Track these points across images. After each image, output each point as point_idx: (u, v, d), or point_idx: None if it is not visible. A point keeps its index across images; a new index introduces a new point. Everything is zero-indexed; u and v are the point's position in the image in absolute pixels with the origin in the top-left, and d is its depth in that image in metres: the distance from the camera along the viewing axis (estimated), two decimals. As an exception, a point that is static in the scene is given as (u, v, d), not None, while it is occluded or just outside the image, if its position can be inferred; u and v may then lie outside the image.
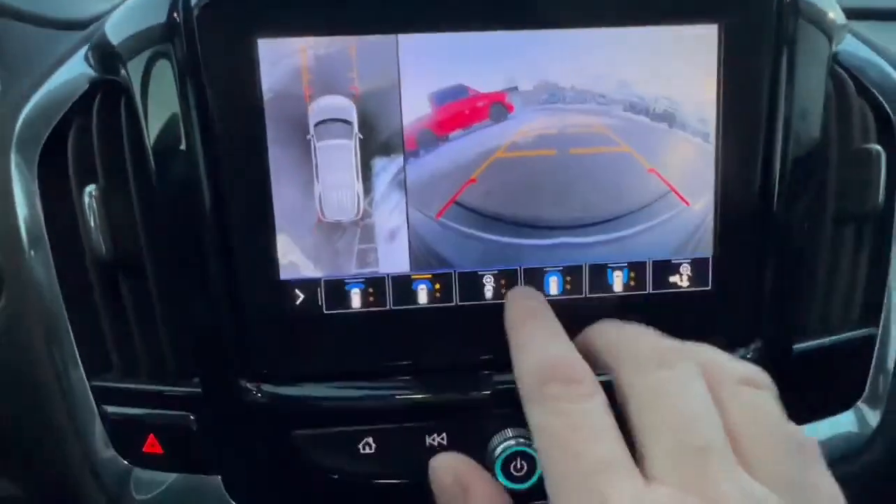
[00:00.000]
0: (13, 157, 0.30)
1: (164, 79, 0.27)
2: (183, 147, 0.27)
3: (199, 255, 0.27)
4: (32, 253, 0.29)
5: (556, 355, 0.21)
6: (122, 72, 0.28)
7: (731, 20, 0.27)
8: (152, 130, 0.27)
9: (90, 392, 0.29)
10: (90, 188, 0.28)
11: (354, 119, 0.27)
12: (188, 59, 0.26)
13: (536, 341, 0.22)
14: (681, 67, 0.27)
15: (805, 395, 0.31)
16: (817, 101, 0.30)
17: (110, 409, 0.29)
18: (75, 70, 0.31)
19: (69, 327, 0.29)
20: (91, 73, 0.30)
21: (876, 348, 0.32)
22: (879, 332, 0.32)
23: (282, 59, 0.26)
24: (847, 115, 0.33)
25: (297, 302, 0.28)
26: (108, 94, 0.29)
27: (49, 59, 0.34)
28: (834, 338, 0.32)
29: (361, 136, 0.27)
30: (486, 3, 0.26)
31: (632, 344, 0.21)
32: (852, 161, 0.32)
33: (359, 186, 0.27)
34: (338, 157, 0.27)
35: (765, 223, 0.29)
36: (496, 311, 0.28)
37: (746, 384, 0.20)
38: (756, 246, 0.29)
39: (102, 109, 0.29)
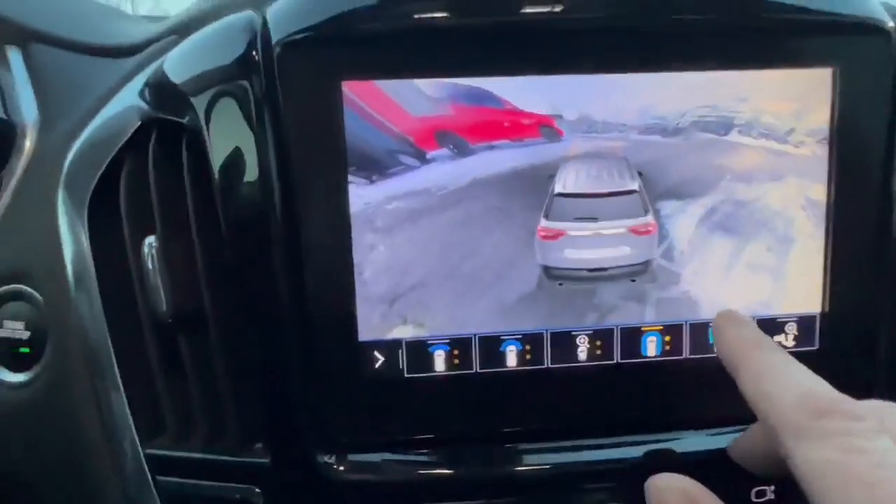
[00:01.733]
0: (60, 196, 0.28)
1: (234, 121, 0.25)
2: (256, 194, 0.24)
3: (271, 313, 0.25)
4: (80, 304, 0.27)
5: (821, 387, 0.19)
6: (187, 112, 0.25)
7: (850, 65, 0.25)
8: (221, 176, 0.25)
9: (144, 460, 0.26)
10: (150, 239, 0.26)
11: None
12: (267, 100, 0.24)
13: (789, 370, 0.20)
14: (792, 113, 0.26)
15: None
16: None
17: (165, 479, 0.26)
18: (126, 105, 0.29)
19: (121, 387, 0.26)
20: (144, 109, 0.28)
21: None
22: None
23: (366, 103, 0.24)
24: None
25: (377, 365, 0.25)
26: (166, 134, 0.27)
27: (94, 90, 0.31)
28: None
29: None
30: (586, 48, 0.24)
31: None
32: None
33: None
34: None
35: (878, 281, 0.27)
36: (589, 376, 0.26)
37: None
38: (869, 305, 0.27)
39: (160, 150, 0.27)
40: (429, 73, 0.24)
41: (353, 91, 0.23)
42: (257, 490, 0.26)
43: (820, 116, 0.26)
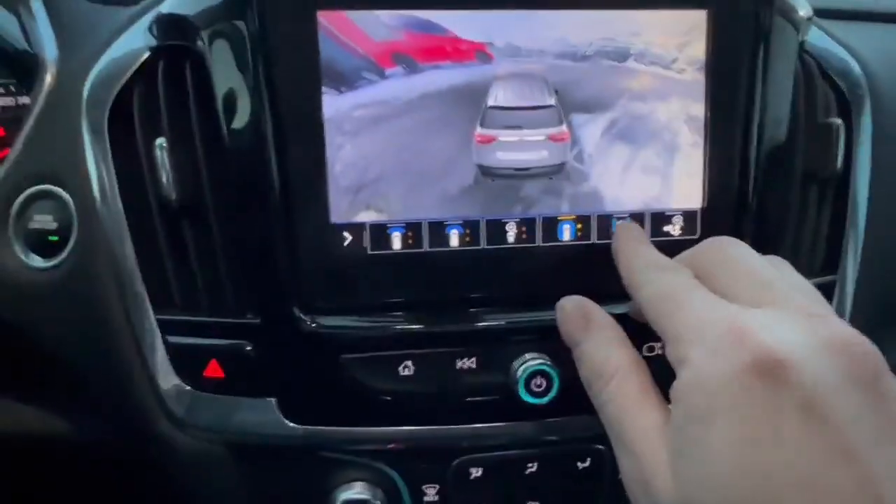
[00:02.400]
0: (83, 113, 0.33)
1: (232, 46, 0.31)
2: (250, 104, 0.31)
3: (260, 201, 0.31)
4: (102, 199, 0.33)
5: (661, 257, 0.27)
6: (194, 40, 0.31)
7: (719, 8, 0.32)
8: (220, 91, 0.31)
9: (155, 324, 0.32)
10: (160, 141, 0.32)
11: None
12: (258, 29, 0.30)
13: (645, 249, 0.28)
14: (676, 45, 0.32)
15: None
16: (788, 80, 0.35)
17: (174, 338, 0.32)
18: (135, 39, 0.35)
19: (136, 266, 0.32)
20: (152, 42, 0.34)
21: (836, 292, 0.38)
22: (838, 277, 0.38)
23: (339, 31, 0.30)
24: (812, 93, 0.38)
25: (346, 243, 0.32)
26: (173, 60, 0.33)
27: (102, 32, 0.37)
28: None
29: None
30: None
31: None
32: (817, 132, 0.37)
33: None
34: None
35: (745, 183, 0.34)
36: (516, 256, 0.32)
37: None
38: (738, 202, 0.34)
39: (169, 73, 0.33)
40: (388, 6, 0.30)
41: (326, 19, 0.30)
42: (249, 345, 0.32)
43: (698, 49, 0.32)
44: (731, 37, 0.32)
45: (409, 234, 0.32)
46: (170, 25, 0.33)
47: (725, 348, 0.20)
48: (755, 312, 0.22)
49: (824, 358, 0.19)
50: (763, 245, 0.35)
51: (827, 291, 0.37)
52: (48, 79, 0.37)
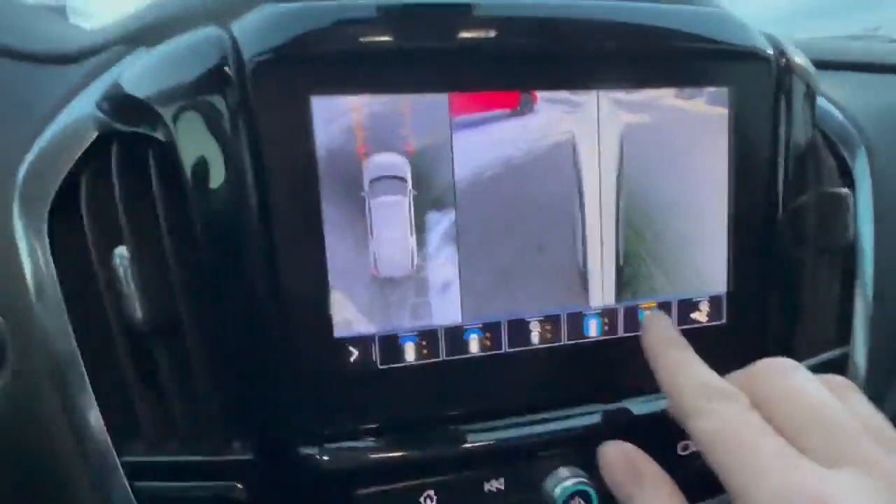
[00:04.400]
0: (16, 211, 0.27)
1: (206, 133, 0.26)
2: (230, 203, 0.26)
3: (248, 317, 0.26)
4: (43, 317, 0.27)
5: (713, 377, 0.25)
6: (154, 124, 0.26)
7: (739, 83, 0.30)
8: (195, 185, 0.26)
9: (120, 468, 0.27)
10: (120, 250, 0.26)
11: (409, 175, 0.27)
12: (240, 114, 0.25)
13: (692, 365, 0.26)
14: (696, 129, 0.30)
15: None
16: (806, 148, 0.34)
17: (144, 484, 0.27)
18: (79, 116, 0.29)
19: (92, 396, 0.27)
20: (101, 120, 0.28)
21: (849, 363, 0.37)
22: (851, 349, 0.37)
23: (336, 116, 0.26)
24: (818, 158, 0.37)
25: (352, 359, 0.27)
26: (128, 147, 0.27)
27: (39, 101, 0.31)
28: (821, 357, 0.36)
29: (416, 193, 0.27)
30: (530, 67, 0.28)
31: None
32: (827, 202, 0.36)
33: (412, 241, 0.27)
34: (392, 214, 0.27)
35: (769, 261, 0.32)
36: (541, 357, 0.29)
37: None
38: (763, 282, 0.32)
39: (124, 163, 0.27)
40: (400, 89, 0.26)
41: (321, 105, 0.25)
42: (240, 486, 0.27)
43: (720, 125, 0.31)
44: (752, 115, 0.31)
45: (423, 342, 0.28)
46: (124, 106, 0.27)
47: None
48: (840, 483, 0.20)
49: None
50: (784, 323, 0.34)
51: (841, 362, 0.37)
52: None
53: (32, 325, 0.27)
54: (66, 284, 0.27)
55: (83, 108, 0.29)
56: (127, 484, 0.27)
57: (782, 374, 0.24)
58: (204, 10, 0.29)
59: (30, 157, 0.28)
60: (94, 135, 0.28)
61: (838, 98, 0.41)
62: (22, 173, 0.28)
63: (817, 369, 0.35)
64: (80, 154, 0.28)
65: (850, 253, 0.37)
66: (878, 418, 0.23)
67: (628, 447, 0.27)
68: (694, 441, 0.24)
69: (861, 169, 0.38)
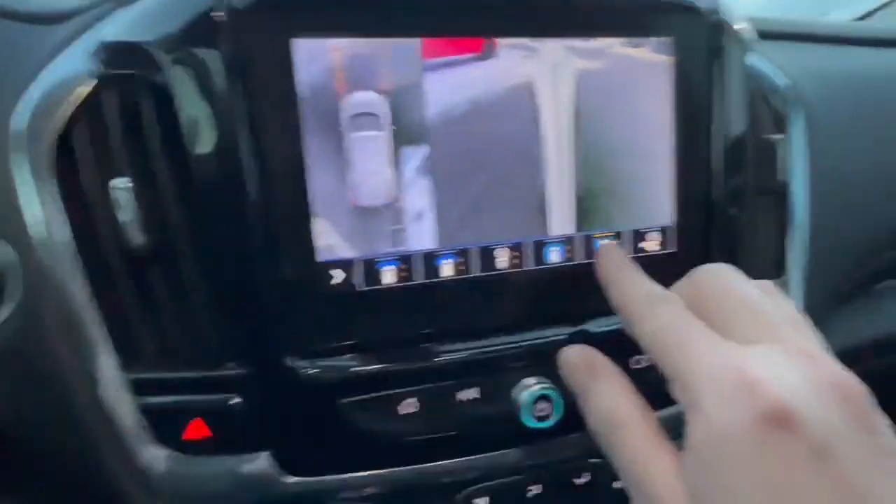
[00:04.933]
0: (14, 156, 0.29)
1: (200, 76, 0.28)
2: (221, 140, 0.28)
3: (239, 243, 0.29)
4: (51, 248, 0.29)
5: (654, 286, 0.28)
6: (150, 68, 0.28)
7: (683, 35, 0.34)
8: (188, 123, 0.28)
9: (126, 385, 0.29)
10: (121, 182, 0.28)
11: (387, 112, 0.30)
12: (228, 56, 0.27)
13: (637, 279, 0.29)
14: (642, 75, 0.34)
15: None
16: (741, 97, 0.38)
17: (149, 399, 0.29)
18: (75, 63, 0.31)
19: (99, 320, 0.29)
20: (98, 68, 0.30)
21: (786, 290, 0.41)
22: (788, 277, 0.41)
23: (316, 58, 0.28)
24: (756, 110, 0.41)
25: (335, 281, 0.30)
26: (123, 89, 0.30)
27: (31, 56, 0.33)
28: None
29: (394, 128, 0.30)
30: (492, 16, 0.31)
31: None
32: (762, 147, 0.40)
33: (390, 173, 0.30)
34: (371, 147, 0.30)
35: (712, 197, 0.36)
36: (508, 280, 0.32)
37: None
38: (707, 215, 0.36)
39: (122, 103, 0.30)
40: (376, 33, 0.29)
41: (302, 46, 0.28)
42: (237, 398, 0.29)
43: (665, 71, 0.34)
44: (695, 59, 0.34)
45: (401, 267, 0.31)
46: (120, 53, 0.30)
47: (737, 399, 0.21)
48: (758, 356, 0.23)
49: (828, 403, 0.21)
50: (726, 253, 0.38)
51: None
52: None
53: (40, 255, 0.29)
54: (70, 213, 0.29)
55: (73, 60, 0.31)
56: (132, 398, 0.29)
57: (716, 275, 0.27)
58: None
59: (29, 101, 0.30)
60: (94, 81, 0.30)
61: (781, 61, 0.45)
62: (26, 117, 0.30)
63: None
64: (81, 99, 0.30)
65: (783, 195, 0.41)
66: (797, 313, 0.26)
67: (586, 348, 0.30)
68: (641, 345, 0.27)
69: (797, 122, 0.42)
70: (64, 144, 0.29)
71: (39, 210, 0.29)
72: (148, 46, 0.28)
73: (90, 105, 0.30)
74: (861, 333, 0.52)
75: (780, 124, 0.43)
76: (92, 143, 0.29)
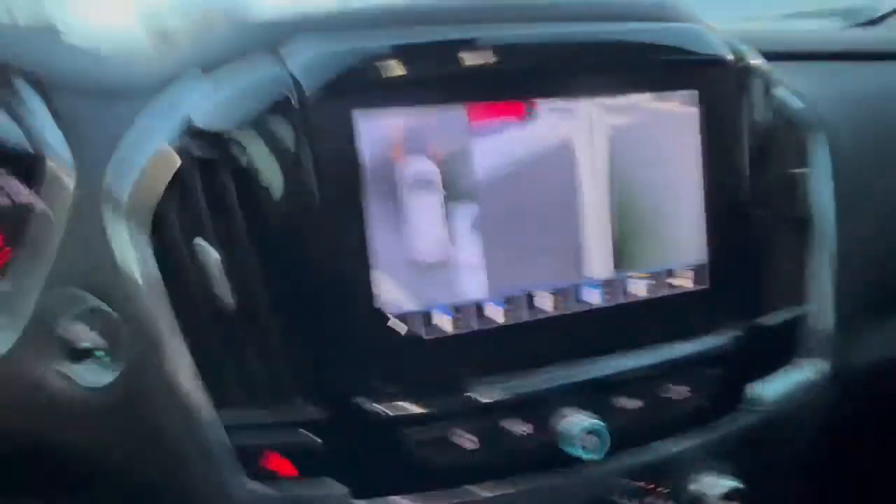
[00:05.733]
0: (120, 224, 0.33)
1: (273, 154, 0.32)
2: (295, 210, 0.32)
3: (313, 301, 0.32)
4: (151, 312, 0.32)
5: None
6: (230, 150, 0.32)
7: (706, 85, 0.36)
8: (265, 196, 0.32)
9: (220, 427, 0.33)
10: (213, 252, 0.32)
11: (439, 176, 0.33)
12: (301, 135, 0.31)
13: None
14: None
15: (769, 357, 0.42)
16: (765, 135, 0.40)
17: (240, 439, 0.33)
18: (161, 145, 0.34)
19: (195, 376, 0.32)
20: (183, 148, 0.33)
21: (813, 317, 0.43)
22: (813, 305, 0.43)
23: (376, 129, 0.32)
24: (780, 142, 0.43)
25: (398, 331, 0.33)
26: (208, 169, 0.33)
27: (114, 130, 0.36)
28: (787, 312, 0.42)
29: (445, 193, 0.33)
30: (531, 82, 0.34)
31: None
32: (788, 180, 0.42)
33: (444, 231, 0.33)
34: (426, 209, 0.33)
35: (743, 233, 0.38)
36: (554, 322, 0.35)
37: None
38: (739, 251, 0.38)
39: (206, 179, 0.33)
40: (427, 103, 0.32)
41: (363, 117, 0.31)
42: (318, 440, 0.33)
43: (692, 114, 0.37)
44: (721, 105, 0.37)
45: (458, 315, 0.34)
46: (204, 135, 0.33)
47: None
48: None
49: None
50: (756, 284, 0.40)
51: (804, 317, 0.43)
52: (66, 181, 0.36)
53: (142, 319, 0.32)
54: (169, 285, 0.32)
55: (161, 137, 0.35)
56: (226, 441, 0.33)
57: None
58: (251, 38, 0.35)
59: (127, 175, 0.33)
60: (178, 162, 0.34)
61: (798, 87, 0.47)
62: (125, 192, 0.33)
63: (783, 323, 0.42)
64: (168, 179, 0.33)
65: (810, 224, 0.43)
66: None
67: None
68: None
69: (819, 149, 0.44)
70: (156, 219, 0.33)
71: (143, 279, 0.32)
72: (226, 132, 0.32)
73: (180, 184, 0.33)
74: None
75: (803, 151, 0.45)
76: (181, 215, 0.33)
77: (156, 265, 0.33)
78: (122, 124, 0.36)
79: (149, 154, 0.34)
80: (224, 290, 0.32)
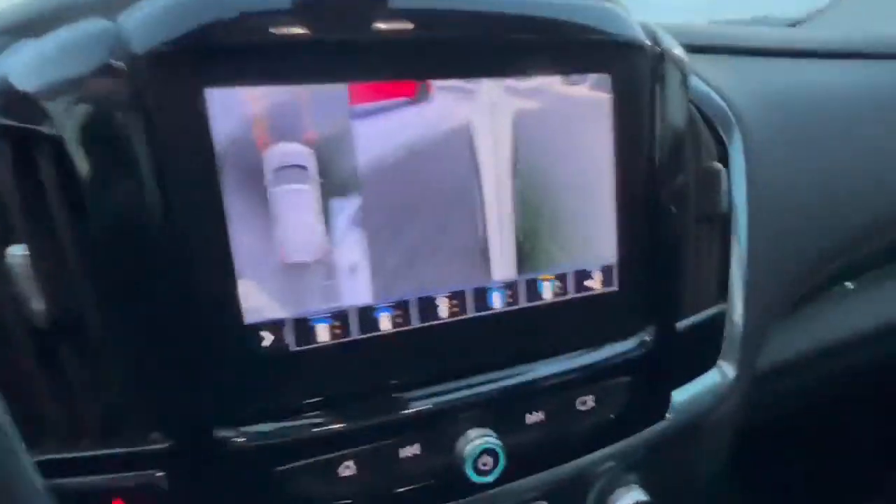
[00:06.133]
0: None
1: (100, 129, 0.26)
2: (129, 199, 0.26)
3: (156, 310, 0.27)
4: None
5: None
6: (43, 120, 0.26)
7: (620, 70, 0.33)
8: (92, 183, 0.26)
9: (33, 467, 0.27)
10: (19, 249, 0.26)
11: (314, 164, 0.28)
12: (133, 108, 0.25)
13: None
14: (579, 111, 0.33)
15: (685, 362, 0.40)
16: (681, 128, 0.37)
17: (60, 481, 0.27)
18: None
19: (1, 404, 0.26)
20: None
21: (726, 318, 0.42)
22: (728, 306, 0.42)
23: (233, 108, 0.26)
24: (696, 137, 0.41)
25: (265, 343, 0.28)
26: (18, 141, 0.27)
27: None
28: (701, 314, 0.40)
29: (321, 180, 0.28)
30: (423, 57, 0.29)
31: None
32: (704, 176, 0.40)
33: (320, 227, 0.29)
34: (298, 201, 0.28)
35: (653, 232, 0.36)
36: (449, 329, 0.31)
37: None
38: (649, 251, 0.36)
39: (15, 158, 0.27)
40: (298, 80, 0.27)
41: (216, 96, 0.26)
42: (160, 473, 0.27)
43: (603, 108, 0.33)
44: (634, 93, 0.34)
45: (336, 324, 0.30)
46: (11, 99, 0.27)
47: None
48: None
49: None
50: (671, 288, 0.38)
51: (720, 318, 0.42)
52: None
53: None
54: None
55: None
56: (42, 482, 0.27)
57: None
58: (90, 2, 0.29)
59: None
60: None
61: (717, 81, 0.45)
62: None
63: (698, 326, 0.40)
64: None
65: (726, 221, 0.41)
66: None
67: None
68: None
69: (735, 146, 0.43)
70: None
71: None
72: (38, 97, 0.25)
73: None
74: (807, 342, 0.54)
75: (719, 147, 0.43)
76: None
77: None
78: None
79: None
80: (33, 299, 0.26)
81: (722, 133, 0.43)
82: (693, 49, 0.45)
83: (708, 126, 0.43)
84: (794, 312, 0.53)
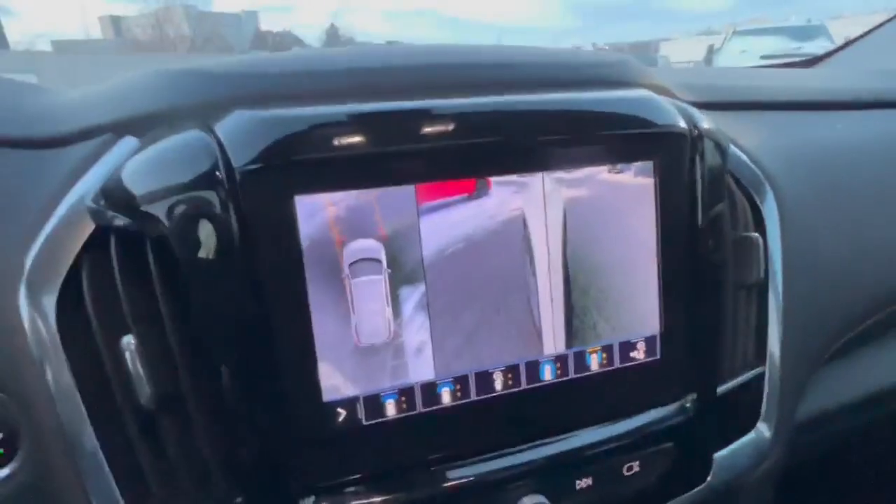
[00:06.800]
0: (23, 296, 0.30)
1: (200, 230, 0.29)
2: (225, 292, 0.29)
3: (244, 388, 0.30)
4: (54, 399, 0.29)
5: None
6: (149, 221, 0.29)
7: (663, 157, 0.35)
8: (194, 277, 0.29)
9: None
10: (127, 339, 0.29)
11: (383, 257, 0.31)
12: (230, 211, 0.28)
13: None
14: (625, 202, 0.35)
15: (726, 425, 0.41)
16: (720, 201, 0.39)
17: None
18: (79, 209, 0.31)
19: (106, 469, 0.30)
20: (99, 213, 0.31)
21: (765, 380, 0.43)
22: (766, 368, 0.43)
23: (317, 211, 0.29)
24: (731, 205, 0.43)
25: (340, 419, 0.31)
26: (126, 238, 0.30)
27: (36, 185, 0.33)
28: (740, 378, 0.42)
29: (390, 271, 0.31)
30: (483, 158, 0.32)
31: None
32: (741, 245, 0.42)
33: (389, 313, 0.31)
34: (370, 291, 0.31)
35: (696, 302, 0.38)
36: (505, 401, 0.34)
37: None
38: (691, 321, 0.38)
39: (124, 253, 0.30)
40: (370, 185, 0.30)
41: (304, 202, 0.29)
42: (247, 538, 0.30)
43: (647, 188, 0.36)
44: (675, 174, 0.36)
45: (402, 399, 0.32)
46: (122, 201, 0.30)
47: None
48: None
49: None
50: (708, 353, 0.40)
51: (758, 381, 0.43)
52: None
53: (43, 408, 0.29)
54: (75, 367, 0.29)
55: (81, 199, 0.31)
56: (143, 544, 0.30)
57: None
58: (185, 108, 0.32)
59: (35, 245, 0.30)
60: (92, 227, 0.31)
61: (744, 140, 0.47)
62: (28, 262, 0.30)
63: (737, 389, 0.42)
64: (80, 245, 0.30)
65: (763, 287, 0.43)
66: None
67: None
68: None
69: (770, 212, 0.44)
70: (67, 291, 0.30)
71: (47, 365, 0.29)
72: (145, 200, 0.29)
73: (92, 251, 0.30)
74: (840, 396, 0.55)
75: (753, 210, 0.45)
76: (93, 294, 0.30)
77: (60, 349, 0.29)
78: (32, 177, 0.33)
79: (59, 216, 0.31)
80: (143, 384, 0.29)
81: (755, 197, 0.44)
82: (716, 106, 0.47)
83: (740, 187, 0.45)
84: (832, 361, 0.54)
